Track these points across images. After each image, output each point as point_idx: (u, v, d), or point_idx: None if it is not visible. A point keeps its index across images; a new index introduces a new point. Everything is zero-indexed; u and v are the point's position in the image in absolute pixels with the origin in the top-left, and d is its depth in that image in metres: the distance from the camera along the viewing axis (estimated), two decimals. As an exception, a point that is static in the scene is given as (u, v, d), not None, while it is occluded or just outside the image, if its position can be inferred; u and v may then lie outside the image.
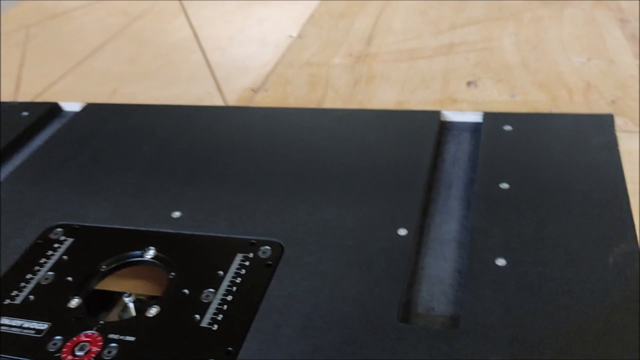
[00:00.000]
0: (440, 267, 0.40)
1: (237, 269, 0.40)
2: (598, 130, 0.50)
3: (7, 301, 0.40)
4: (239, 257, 0.41)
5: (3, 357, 0.36)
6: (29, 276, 0.42)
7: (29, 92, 0.70)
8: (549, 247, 0.39)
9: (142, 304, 0.41)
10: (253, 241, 0.43)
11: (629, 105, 0.54)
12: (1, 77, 0.75)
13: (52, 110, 0.65)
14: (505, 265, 0.38)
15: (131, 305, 0.41)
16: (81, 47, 0.80)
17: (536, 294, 0.35)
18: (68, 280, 0.41)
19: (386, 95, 0.60)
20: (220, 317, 0.37)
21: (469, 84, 0.60)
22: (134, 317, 0.40)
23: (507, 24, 0.72)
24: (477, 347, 0.33)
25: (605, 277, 0.36)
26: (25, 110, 0.65)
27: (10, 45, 0.84)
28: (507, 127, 0.52)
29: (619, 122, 0.51)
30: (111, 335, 0.37)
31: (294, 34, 0.76)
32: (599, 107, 0.54)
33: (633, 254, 0.37)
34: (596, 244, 0.38)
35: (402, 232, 0.42)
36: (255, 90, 0.64)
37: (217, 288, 0.39)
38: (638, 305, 0.33)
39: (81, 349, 0.36)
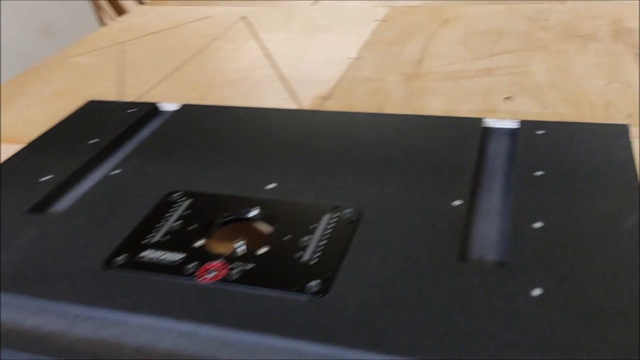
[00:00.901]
0: (486, 229, 0.49)
1: (326, 225, 0.50)
2: (615, 136, 0.59)
3: (146, 240, 0.50)
4: (327, 217, 0.51)
5: (154, 276, 0.46)
6: (160, 223, 0.52)
7: (131, 95, 0.81)
8: (576, 214, 0.48)
9: (251, 247, 0.50)
10: (336, 205, 0.52)
11: (642, 119, 0.63)
12: (104, 82, 0.86)
13: (153, 109, 0.76)
14: (542, 227, 0.47)
15: (243, 247, 0.50)
16: (169, 62, 0.92)
17: (566, 246, 0.44)
18: (193, 227, 0.51)
19: (436, 105, 0.70)
20: (316, 255, 0.46)
21: (506, 99, 0.70)
22: (248, 252, 0.49)
23: (537, 54, 0.81)
24: (521, 280, 0.42)
25: (619, 238, 0.45)
26: (131, 108, 0.76)
27: (108, 57, 0.96)
28: (540, 131, 0.61)
29: (633, 130, 0.61)
30: (234, 263, 0.46)
31: (353, 56, 0.86)
32: (616, 119, 0.63)
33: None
34: (613, 210, 0.47)
35: (457, 202, 0.51)
36: (324, 98, 0.74)
37: (312, 236, 0.48)
38: None
39: (212, 272, 0.46)
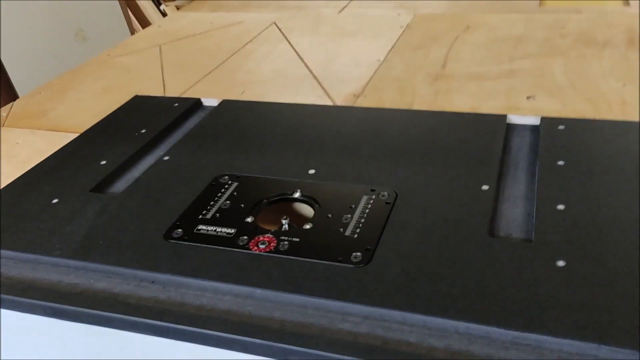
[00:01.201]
0: (514, 212, 0.53)
1: (364, 204, 0.54)
2: (629, 131, 0.63)
3: (200, 216, 0.54)
4: (364, 198, 0.55)
5: (210, 247, 0.50)
6: (212, 202, 0.56)
7: (174, 91, 0.86)
8: (595, 199, 0.51)
9: (297, 224, 0.54)
10: (373, 188, 0.56)
11: (656, 117, 0.66)
12: (147, 80, 0.91)
13: (196, 104, 0.80)
14: (564, 209, 0.51)
15: (287, 225, 0.54)
16: (208, 62, 0.96)
17: (587, 226, 0.48)
18: (241, 206, 0.55)
19: (462, 103, 0.74)
20: (357, 230, 0.50)
21: (528, 98, 0.74)
22: (294, 228, 0.53)
23: (556, 58, 0.85)
24: (546, 254, 0.45)
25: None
26: (176, 103, 0.80)
27: (148, 58, 1.01)
28: (561, 127, 0.65)
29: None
30: (282, 237, 0.50)
31: (381, 59, 0.91)
32: (631, 117, 0.67)
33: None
34: (630, 196, 0.51)
35: (485, 187, 0.55)
36: (356, 96, 0.78)
37: (352, 214, 0.52)
38: None
39: (262, 244, 0.50)
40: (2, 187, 0.61)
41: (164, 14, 3.46)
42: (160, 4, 3.67)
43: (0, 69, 1.63)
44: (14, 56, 1.70)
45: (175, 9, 3.00)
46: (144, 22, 3.10)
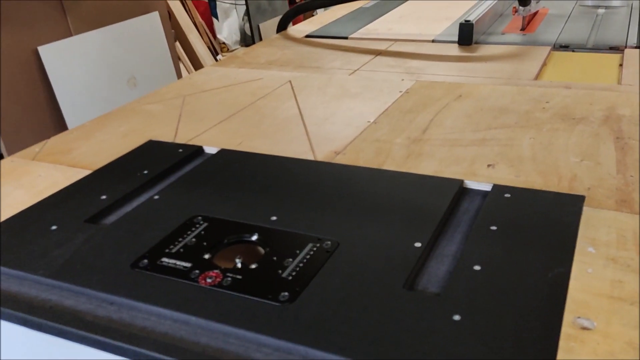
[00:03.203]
0: (437, 269, 0.57)
1: (307, 251, 0.59)
2: (570, 204, 0.65)
3: (167, 250, 0.60)
4: (309, 246, 0.60)
5: (166, 277, 0.56)
6: (180, 239, 0.62)
7: (183, 138, 0.94)
8: (511, 262, 0.55)
9: (246, 263, 0.60)
10: (319, 237, 0.61)
11: (600, 192, 0.69)
12: (165, 126, 0.99)
13: (198, 150, 0.88)
14: (480, 269, 0.54)
15: (240, 263, 0.59)
16: (220, 114, 1.04)
17: (493, 285, 0.51)
18: (203, 244, 0.61)
19: (428, 166, 0.78)
20: (293, 273, 0.55)
21: (488, 166, 0.77)
22: (243, 267, 0.58)
23: (529, 130, 0.89)
24: (446, 307, 0.49)
25: (543, 285, 0.51)
26: (180, 149, 0.88)
27: (171, 107, 1.10)
28: (507, 195, 0.68)
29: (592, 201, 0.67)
30: (228, 274, 0.55)
31: (371, 120, 0.96)
32: (577, 191, 0.70)
33: (565, 274, 0.53)
34: (543, 263, 0.54)
35: (418, 244, 0.59)
36: (336, 153, 0.84)
37: (294, 259, 0.57)
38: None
39: (210, 278, 0.55)
40: (15, 213, 0.69)
41: (216, 53, 3.63)
42: (217, 54, 3.86)
43: (57, 110, 1.78)
44: (70, 100, 1.85)
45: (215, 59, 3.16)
46: (197, 64, 3.27)
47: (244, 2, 4.15)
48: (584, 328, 0.45)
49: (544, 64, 1.27)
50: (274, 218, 0.65)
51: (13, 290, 0.56)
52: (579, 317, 0.46)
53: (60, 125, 1.82)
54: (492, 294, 0.50)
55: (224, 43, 4.35)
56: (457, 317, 0.48)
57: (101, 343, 0.48)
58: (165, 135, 0.95)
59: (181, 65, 2.64)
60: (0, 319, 0.53)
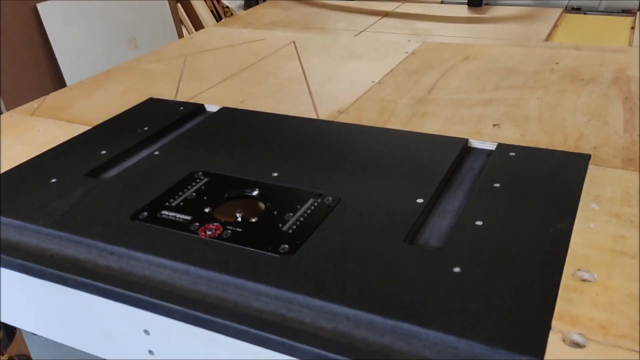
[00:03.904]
0: (439, 224, 0.57)
1: (308, 206, 0.59)
2: (575, 162, 0.65)
3: (166, 204, 0.61)
4: (310, 201, 0.60)
5: (166, 229, 0.56)
6: (180, 193, 0.63)
7: (184, 96, 0.94)
8: (512, 218, 0.55)
9: (247, 217, 0.60)
10: (321, 193, 0.61)
11: (606, 151, 0.69)
12: (165, 85, 0.99)
13: (199, 108, 0.87)
14: (481, 224, 0.54)
15: (240, 217, 0.60)
16: (222, 73, 1.04)
17: (493, 239, 0.52)
18: (203, 199, 0.61)
19: (432, 126, 0.78)
20: (294, 227, 0.56)
21: (494, 125, 0.77)
22: (242, 220, 0.58)
23: (537, 91, 0.88)
24: (446, 260, 0.49)
25: (544, 239, 0.51)
26: (181, 107, 0.88)
27: (172, 66, 1.09)
28: (512, 153, 0.68)
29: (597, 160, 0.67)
30: (228, 227, 0.56)
31: (376, 81, 0.96)
32: (583, 150, 0.69)
33: (567, 229, 0.53)
34: (545, 219, 0.54)
35: (420, 200, 0.59)
36: (340, 112, 0.84)
37: (295, 213, 0.58)
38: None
39: (209, 230, 0.55)
40: (14, 166, 0.70)
41: (219, 18, 3.59)
42: (220, 19, 3.82)
43: (56, 69, 1.77)
44: (70, 59, 1.84)
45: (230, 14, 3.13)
46: (199, 28, 3.24)
47: (248, -35, 4.08)
48: (584, 280, 0.45)
49: (555, 26, 1.25)
50: (275, 174, 0.65)
51: (13, 239, 0.57)
52: (579, 270, 0.47)
53: (59, 84, 1.82)
54: (493, 247, 0.51)
55: (227, 7, 4.30)
56: (457, 269, 0.48)
57: (101, 290, 0.49)
58: (166, 93, 0.95)
59: (184, 29, 2.61)
60: (0, 267, 0.54)
